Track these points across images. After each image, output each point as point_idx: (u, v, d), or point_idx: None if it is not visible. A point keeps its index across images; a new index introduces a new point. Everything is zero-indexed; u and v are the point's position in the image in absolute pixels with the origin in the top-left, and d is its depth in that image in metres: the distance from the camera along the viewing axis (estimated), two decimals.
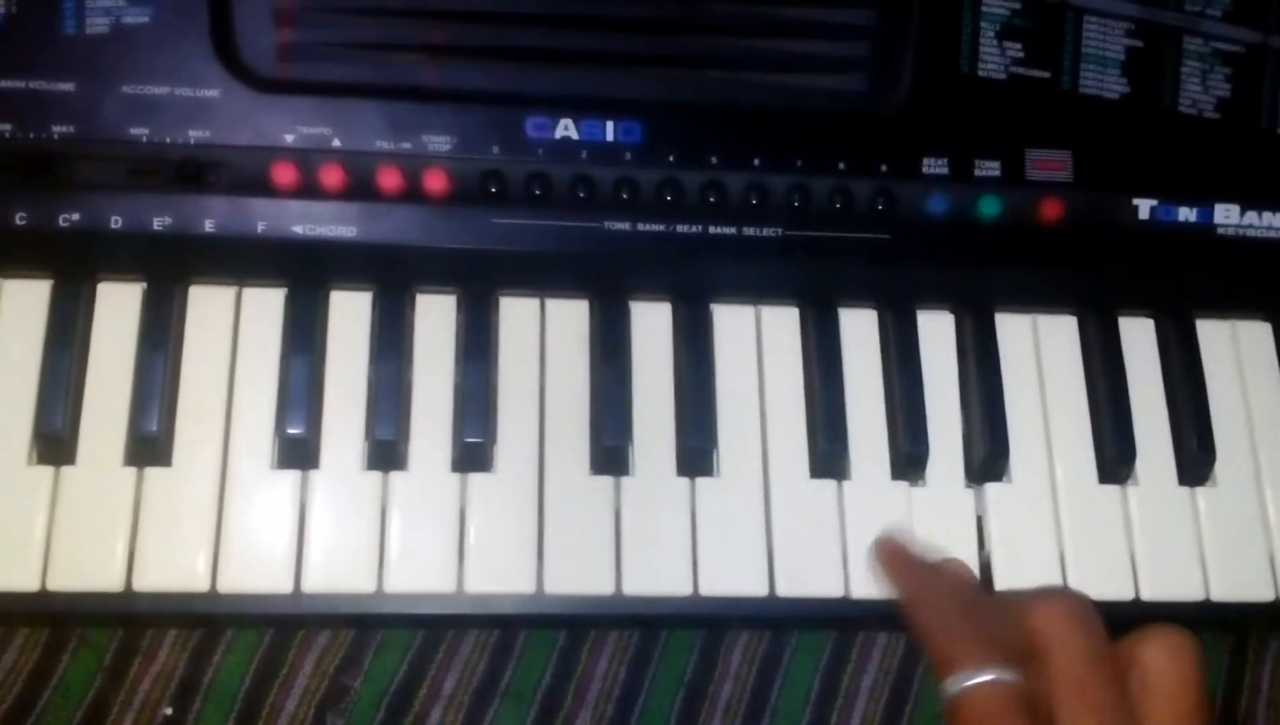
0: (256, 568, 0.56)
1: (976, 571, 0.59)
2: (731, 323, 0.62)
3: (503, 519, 0.57)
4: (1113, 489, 0.61)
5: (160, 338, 0.58)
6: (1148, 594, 0.60)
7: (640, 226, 0.59)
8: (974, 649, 0.49)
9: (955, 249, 0.61)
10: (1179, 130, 0.63)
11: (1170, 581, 0.60)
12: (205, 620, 0.60)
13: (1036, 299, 0.64)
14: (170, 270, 0.59)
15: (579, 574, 0.57)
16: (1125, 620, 0.62)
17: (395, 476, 0.58)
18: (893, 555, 0.55)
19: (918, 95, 0.61)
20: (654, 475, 0.59)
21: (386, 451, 0.57)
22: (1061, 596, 0.50)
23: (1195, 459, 0.62)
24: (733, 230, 0.59)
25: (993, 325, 0.63)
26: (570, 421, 0.59)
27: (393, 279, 0.60)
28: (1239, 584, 0.61)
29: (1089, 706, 0.47)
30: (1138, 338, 0.64)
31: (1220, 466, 0.62)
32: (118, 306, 0.58)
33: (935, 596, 0.52)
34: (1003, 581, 0.59)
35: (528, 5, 0.59)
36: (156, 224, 0.56)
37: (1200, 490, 0.62)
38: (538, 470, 0.58)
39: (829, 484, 0.60)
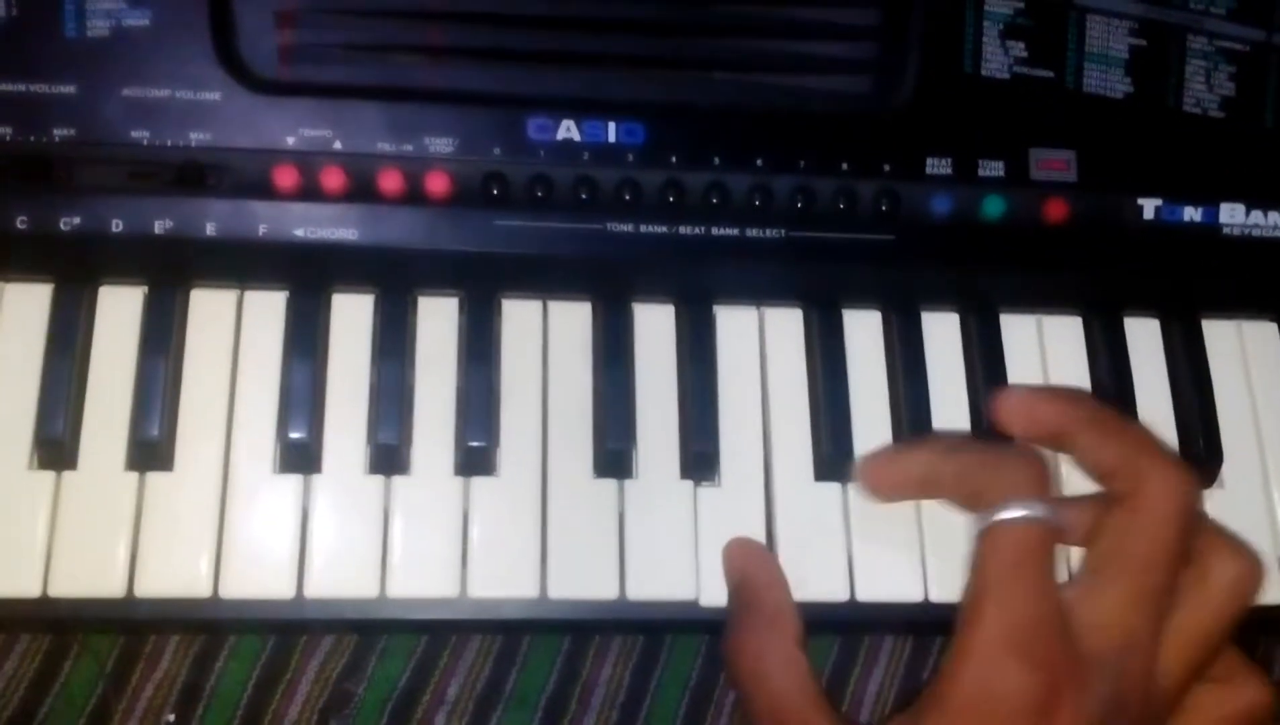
0: (259, 573, 0.55)
1: None
2: (735, 324, 0.62)
3: (506, 523, 0.57)
4: None
5: (162, 342, 0.57)
6: None
7: (643, 228, 0.59)
8: (1019, 479, 0.50)
9: (959, 249, 0.61)
10: (1183, 129, 0.62)
11: None
12: (207, 626, 0.59)
13: (1041, 299, 0.63)
14: (171, 274, 0.58)
15: (583, 578, 0.57)
16: None
17: (398, 480, 0.57)
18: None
19: (921, 96, 0.61)
20: (658, 478, 0.59)
21: (389, 455, 0.57)
22: (1180, 475, 0.50)
23: (1202, 461, 0.62)
24: (736, 231, 0.59)
25: (998, 326, 0.63)
26: (573, 425, 0.59)
27: (394, 282, 0.59)
28: None
29: (1140, 593, 0.48)
30: (1143, 338, 0.64)
31: (1227, 468, 0.62)
32: (119, 310, 0.58)
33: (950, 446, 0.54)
34: None
35: (529, 6, 0.59)
36: (158, 227, 0.56)
37: (1207, 493, 0.62)
38: (541, 474, 0.58)
39: (833, 487, 0.59)
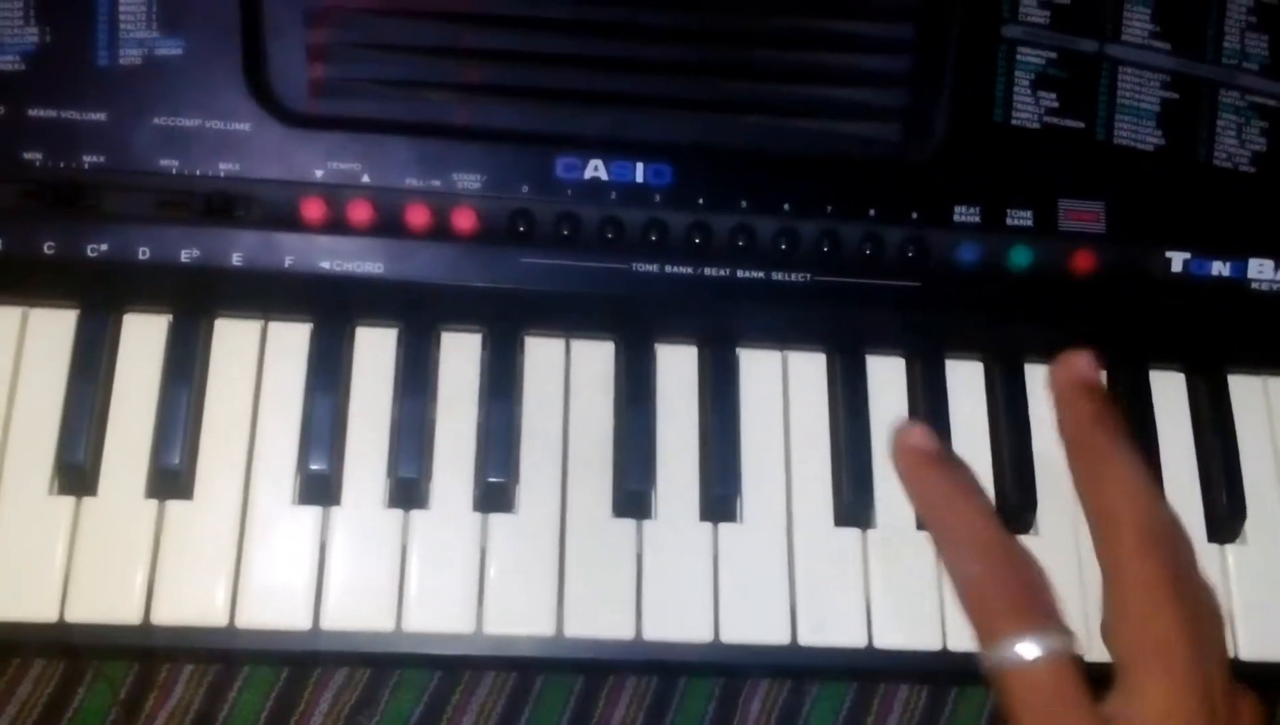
0: (275, 603, 0.55)
1: None
2: (758, 367, 0.61)
3: (523, 560, 0.57)
4: None
5: (185, 370, 0.58)
6: None
7: (668, 269, 0.59)
8: (1021, 608, 0.48)
9: (985, 298, 0.61)
10: (1213, 183, 0.62)
11: None
12: (222, 655, 0.59)
13: (1066, 350, 0.63)
14: (196, 303, 0.58)
15: (599, 618, 0.57)
16: None
17: (416, 515, 0.57)
18: (915, 460, 0.55)
19: (950, 143, 0.61)
20: (677, 519, 0.59)
21: (409, 489, 0.57)
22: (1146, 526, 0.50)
23: (1225, 516, 0.61)
24: (761, 275, 0.59)
25: (1022, 375, 0.62)
26: (593, 463, 0.59)
27: (419, 317, 0.59)
28: (1269, 642, 0.60)
29: (1173, 674, 0.47)
30: (1168, 391, 0.63)
31: (1250, 524, 0.62)
32: (143, 338, 0.58)
33: (969, 531, 0.51)
34: None
35: (561, 46, 0.59)
36: (184, 256, 0.56)
37: (1230, 548, 0.61)
38: (559, 512, 0.58)
39: (853, 533, 0.59)
